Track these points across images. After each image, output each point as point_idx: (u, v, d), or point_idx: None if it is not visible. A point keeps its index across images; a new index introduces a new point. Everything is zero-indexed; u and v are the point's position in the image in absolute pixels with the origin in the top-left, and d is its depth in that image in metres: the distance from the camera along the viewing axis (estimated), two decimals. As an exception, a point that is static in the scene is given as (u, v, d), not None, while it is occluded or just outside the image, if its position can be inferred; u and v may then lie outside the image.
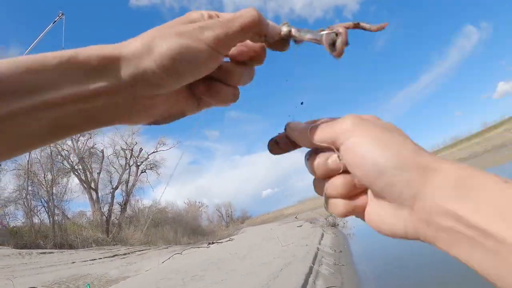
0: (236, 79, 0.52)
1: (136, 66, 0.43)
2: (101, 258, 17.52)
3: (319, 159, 0.48)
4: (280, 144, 0.54)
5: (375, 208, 0.45)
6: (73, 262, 15.73)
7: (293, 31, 0.51)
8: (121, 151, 34.67)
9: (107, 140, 37.30)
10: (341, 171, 0.47)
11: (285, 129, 0.53)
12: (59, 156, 36.34)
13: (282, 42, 0.52)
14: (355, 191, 0.47)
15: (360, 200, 0.47)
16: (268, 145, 0.55)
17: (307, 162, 0.50)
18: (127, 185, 33.06)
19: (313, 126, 0.48)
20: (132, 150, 33.62)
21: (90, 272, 13.01)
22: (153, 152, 34.59)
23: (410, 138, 0.43)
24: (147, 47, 0.43)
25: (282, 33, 0.51)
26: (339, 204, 0.48)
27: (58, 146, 35.60)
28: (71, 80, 0.40)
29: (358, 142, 0.43)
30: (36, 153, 35.76)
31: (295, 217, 37.11)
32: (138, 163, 33.83)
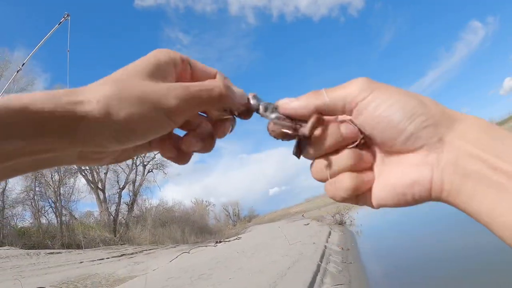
0: (187, 146, 0.51)
1: (89, 129, 0.39)
2: (108, 258, 17.58)
3: (332, 128, 0.45)
4: (290, 135, 0.47)
5: (393, 173, 0.44)
6: (81, 262, 15.80)
7: (261, 109, 0.49)
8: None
9: (112, 139, 37.37)
10: (360, 137, 0.45)
11: (274, 115, 0.48)
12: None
13: (247, 113, 0.51)
14: (362, 165, 0.46)
15: (367, 176, 0.46)
16: (295, 153, 0.48)
17: (311, 138, 0.46)
18: (134, 185, 33.20)
19: (314, 92, 0.46)
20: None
21: (97, 272, 13.06)
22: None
23: None
24: (104, 112, 0.39)
25: (251, 107, 0.50)
26: (346, 179, 0.45)
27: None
28: (19, 135, 0.36)
29: (378, 99, 0.42)
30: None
31: (302, 216, 37.17)
32: (145, 163, 33.99)
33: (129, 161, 33.62)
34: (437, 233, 10.13)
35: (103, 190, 34.19)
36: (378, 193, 0.45)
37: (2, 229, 33.74)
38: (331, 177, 0.46)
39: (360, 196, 0.47)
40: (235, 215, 62.26)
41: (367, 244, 13.24)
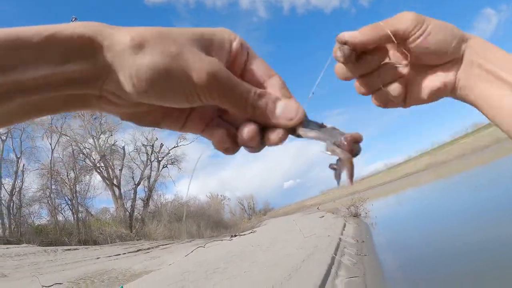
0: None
1: (111, 62, 0.37)
2: (125, 253, 17.76)
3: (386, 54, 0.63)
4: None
5: (427, 79, 0.63)
6: (98, 258, 15.99)
7: (301, 132, 0.46)
8: (142, 147, 35.13)
9: (128, 136, 37.84)
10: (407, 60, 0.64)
11: (343, 43, 0.58)
12: (81, 155, 36.70)
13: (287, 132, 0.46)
14: (405, 76, 0.65)
15: (403, 80, 0.64)
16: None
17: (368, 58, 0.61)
18: (149, 181, 33.47)
19: (374, 25, 0.59)
20: (153, 145, 34.01)
21: (114, 267, 13.20)
22: (174, 147, 34.93)
23: None
24: (130, 50, 0.37)
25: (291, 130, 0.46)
26: (396, 88, 0.63)
27: (79, 144, 36.15)
28: (48, 60, 0.35)
29: (434, 27, 0.58)
30: (59, 153, 36.36)
31: (317, 208, 37.17)
32: (160, 159, 34.21)
33: (144, 157, 33.86)
34: (453, 227, 9.99)
35: (118, 187, 34.45)
36: (416, 94, 0.64)
37: (20, 227, 34.24)
38: (384, 87, 0.63)
39: (405, 98, 0.65)
40: (250, 208, 62.48)
41: (382, 236, 13.19)
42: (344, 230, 14.87)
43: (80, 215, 37.27)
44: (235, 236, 22.19)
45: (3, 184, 32.68)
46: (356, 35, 0.57)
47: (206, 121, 0.47)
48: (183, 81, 0.38)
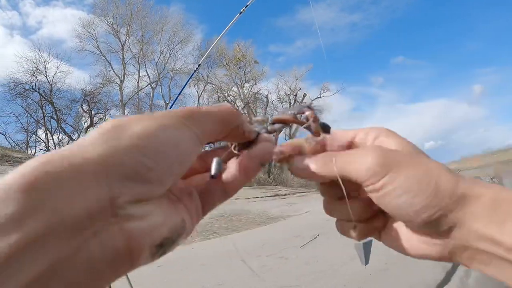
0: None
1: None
2: (262, 197, 18.32)
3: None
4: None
5: (403, 235, 0.44)
6: (237, 199, 16.67)
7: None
8: (285, 96, 35.69)
9: (271, 86, 38.58)
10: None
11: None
12: (225, 102, 38.31)
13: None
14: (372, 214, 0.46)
15: (377, 222, 0.46)
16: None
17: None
18: (290, 129, 34.15)
19: (325, 158, 0.44)
20: (296, 95, 34.46)
21: (251, 209, 13.65)
22: (317, 97, 34.85)
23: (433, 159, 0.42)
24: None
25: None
26: (358, 229, 0.46)
27: (224, 92, 37.88)
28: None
29: (393, 188, 0.39)
30: (204, 99, 38.58)
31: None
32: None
33: (287, 106, 34.61)
34: None
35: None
36: (397, 241, 0.44)
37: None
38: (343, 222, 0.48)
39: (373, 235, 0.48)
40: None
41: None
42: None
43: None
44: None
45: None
46: (305, 166, 0.44)
47: None
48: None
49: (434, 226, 0.38)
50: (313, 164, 0.44)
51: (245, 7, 3.77)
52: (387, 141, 0.44)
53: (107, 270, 0.28)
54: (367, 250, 0.48)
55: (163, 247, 0.31)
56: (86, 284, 0.26)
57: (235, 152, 0.44)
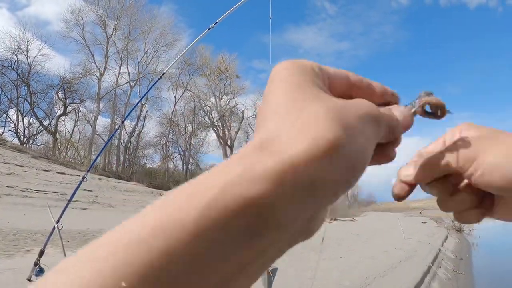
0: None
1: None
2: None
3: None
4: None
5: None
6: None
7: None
8: (261, 114, 36.10)
9: (249, 102, 39.00)
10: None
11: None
12: (201, 111, 38.93)
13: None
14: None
15: (487, 202, 0.46)
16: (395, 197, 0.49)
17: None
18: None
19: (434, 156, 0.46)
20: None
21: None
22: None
23: None
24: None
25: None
26: (472, 216, 0.47)
27: (202, 101, 38.11)
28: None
29: (485, 168, 0.41)
30: (181, 106, 38.91)
31: (420, 213, 36.25)
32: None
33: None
34: None
35: (231, 147, 36.29)
36: (504, 215, 0.46)
37: (132, 167, 37.41)
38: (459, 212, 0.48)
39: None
40: (353, 197, 62.05)
41: (481, 258, 12.65)
42: (445, 242, 14.44)
43: (190, 166, 39.67)
44: (335, 220, 22.40)
45: (125, 126, 35.42)
46: (410, 173, 0.47)
47: None
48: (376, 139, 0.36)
49: None
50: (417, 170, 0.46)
51: (214, 24, 3.91)
52: (469, 132, 0.46)
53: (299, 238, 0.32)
54: (273, 276, 0.47)
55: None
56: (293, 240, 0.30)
57: None
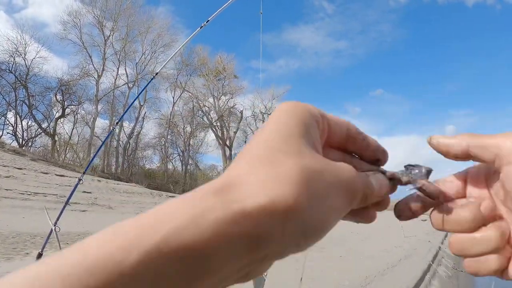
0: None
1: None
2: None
3: (470, 209, 0.40)
4: (413, 207, 0.45)
5: None
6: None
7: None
8: (259, 114, 36.17)
9: (247, 102, 39.11)
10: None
11: (418, 188, 0.42)
12: (200, 112, 38.98)
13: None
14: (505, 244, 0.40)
15: (507, 251, 0.40)
16: (396, 210, 0.46)
17: (443, 216, 0.42)
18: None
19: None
20: (270, 114, 35.30)
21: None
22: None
23: None
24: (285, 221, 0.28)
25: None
26: (491, 262, 0.39)
27: (200, 102, 38.13)
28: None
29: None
30: (179, 107, 38.96)
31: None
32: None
33: (260, 124, 35.25)
34: None
35: (230, 148, 36.38)
36: None
37: (131, 168, 37.43)
38: (473, 257, 0.40)
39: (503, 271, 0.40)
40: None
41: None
42: (445, 239, 14.43)
43: (188, 167, 39.67)
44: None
45: (123, 127, 35.83)
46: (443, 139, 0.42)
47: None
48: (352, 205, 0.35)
49: None
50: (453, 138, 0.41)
51: (206, 22, 3.91)
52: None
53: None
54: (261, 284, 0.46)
55: None
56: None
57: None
